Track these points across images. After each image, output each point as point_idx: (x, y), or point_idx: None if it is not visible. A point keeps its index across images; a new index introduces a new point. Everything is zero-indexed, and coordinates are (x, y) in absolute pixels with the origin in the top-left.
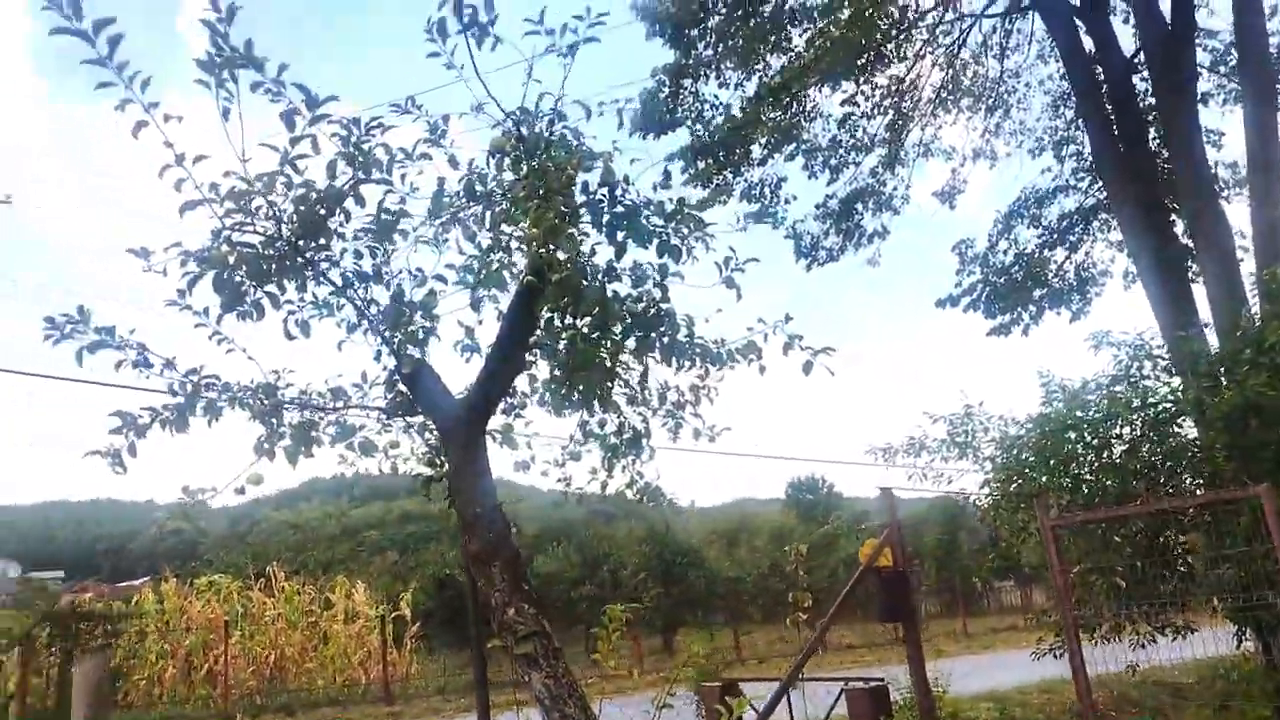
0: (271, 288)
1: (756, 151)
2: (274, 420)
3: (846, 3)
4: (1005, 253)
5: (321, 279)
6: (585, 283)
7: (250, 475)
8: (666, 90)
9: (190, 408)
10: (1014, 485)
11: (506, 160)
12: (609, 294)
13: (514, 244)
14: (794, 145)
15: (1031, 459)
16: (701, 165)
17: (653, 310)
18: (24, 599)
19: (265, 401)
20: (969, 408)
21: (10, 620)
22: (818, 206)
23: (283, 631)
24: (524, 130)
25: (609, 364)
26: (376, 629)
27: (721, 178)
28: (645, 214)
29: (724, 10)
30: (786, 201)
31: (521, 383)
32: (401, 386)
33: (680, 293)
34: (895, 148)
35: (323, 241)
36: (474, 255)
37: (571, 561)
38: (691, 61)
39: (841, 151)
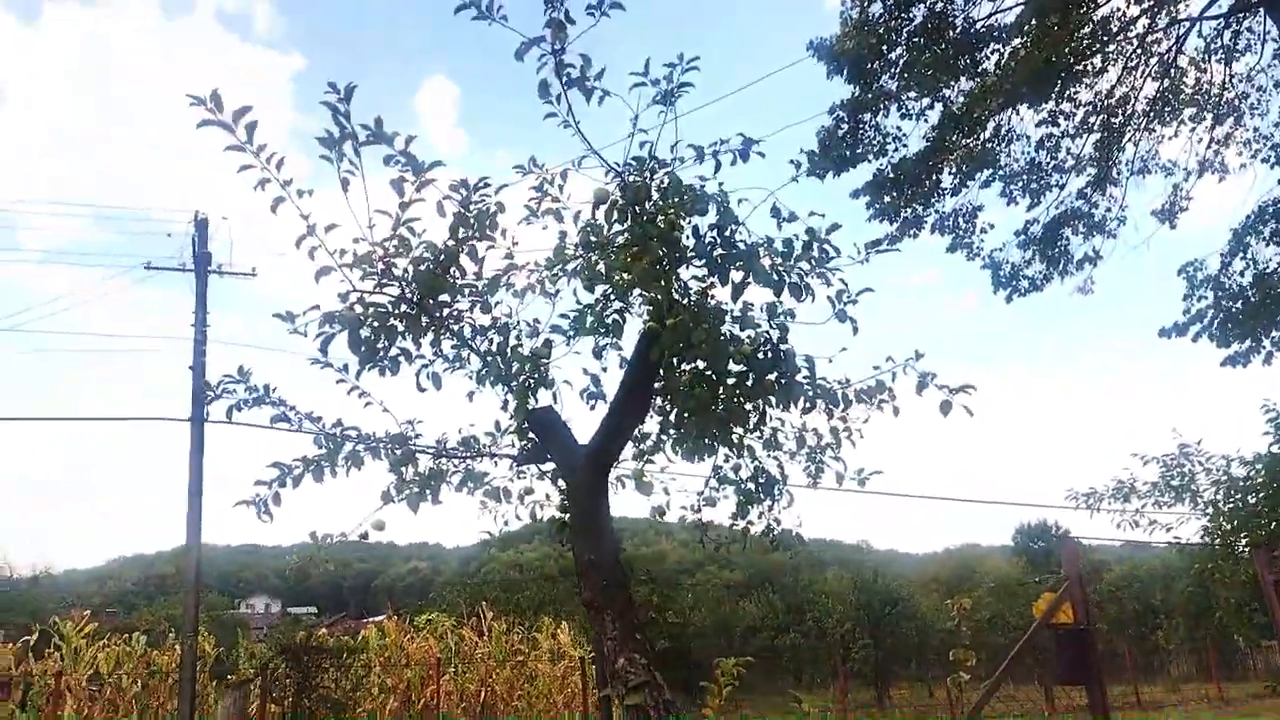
0: (406, 344)
1: (947, 180)
2: (404, 468)
3: (1033, 21)
4: (1241, 274)
5: (447, 333)
6: (695, 326)
7: (374, 521)
8: (846, 126)
9: (333, 458)
10: (1241, 534)
11: (615, 211)
12: (723, 335)
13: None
14: (989, 171)
15: (1260, 503)
16: (887, 200)
17: (769, 351)
18: (278, 633)
19: (399, 450)
20: (1185, 447)
21: (262, 652)
22: (1017, 234)
23: (492, 669)
24: (627, 178)
25: (724, 407)
26: (579, 669)
27: (910, 210)
28: (762, 252)
29: (906, 40)
30: (983, 230)
31: (654, 428)
32: (533, 435)
33: (822, 334)
34: (1105, 166)
35: (444, 298)
36: (588, 305)
37: (775, 608)
38: (872, 95)
39: (1042, 174)
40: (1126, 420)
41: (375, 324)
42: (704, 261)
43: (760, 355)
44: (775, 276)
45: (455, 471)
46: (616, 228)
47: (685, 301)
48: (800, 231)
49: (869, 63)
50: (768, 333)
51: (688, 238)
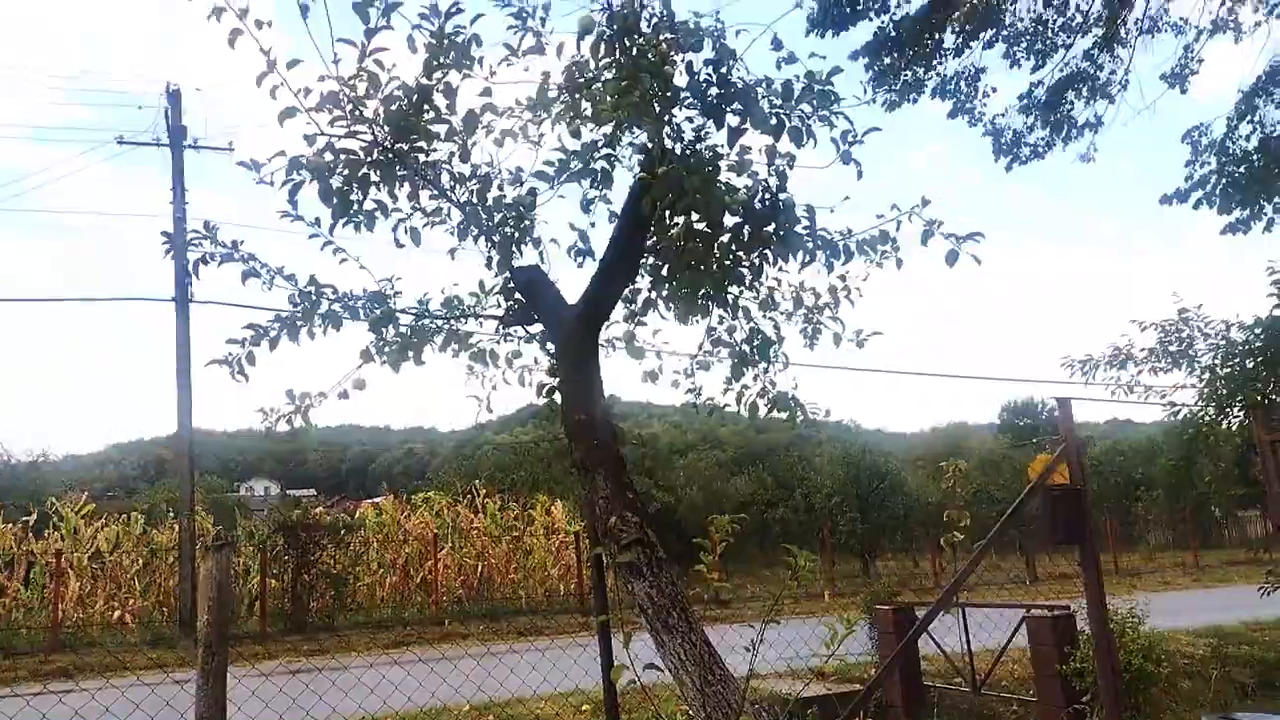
0: (381, 195)
1: (949, 40)
2: (383, 329)
3: None
4: (1247, 138)
5: (424, 183)
6: (688, 174)
7: (354, 380)
8: None
9: (309, 317)
10: (1237, 398)
11: (602, 44)
12: (719, 184)
13: (622, 136)
14: (992, 31)
15: (1258, 367)
16: (887, 61)
17: (766, 200)
18: (277, 512)
19: (378, 309)
20: (1184, 312)
21: (260, 529)
22: (1021, 98)
23: (487, 545)
24: (615, 6)
25: (718, 262)
26: (573, 544)
27: (910, 73)
28: (761, 94)
29: None
30: (986, 95)
31: (646, 287)
32: (519, 295)
33: (824, 184)
34: (1114, 25)
35: (419, 143)
36: (574, 151)
37: (765, 484)
38: None
39: (1049, 34)
40: (1128, 292)
41: (346, 172)
42: (698, 102)
43: (757, 205)
44: (775, 120)
45: (438, 332)
46: (604, 63)
47: (678, 148)
48: (800, 74)
49: None
50: (765, 181)
51: (680, 74)
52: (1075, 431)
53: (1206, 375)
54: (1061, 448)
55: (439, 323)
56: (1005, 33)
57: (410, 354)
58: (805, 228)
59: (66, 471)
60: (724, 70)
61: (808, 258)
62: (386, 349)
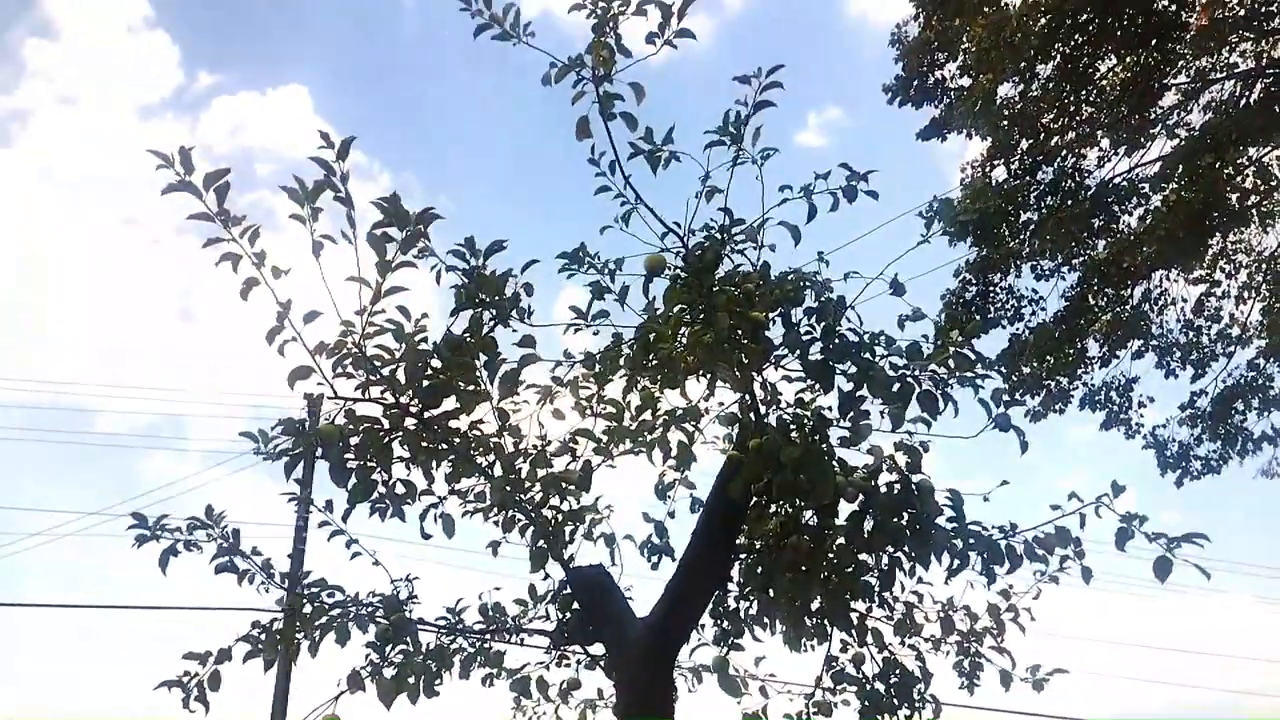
0: (410, 474)
1: (1094, 349)
2: (388, 645)
3: (1180, 167)
4: None
5: (460, 459)
6: (786, 442)
7: (325, 717)
8: (975, 288)
9: (307, 626)
10: None
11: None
12: (828, 459)
13: (703, 406)
14: (1140, 341)
15: None
16: (1026, 371)
17: (895, 484)
18: None
19: (390, 619)
20: None
21: None
22: (1182, 408)
23: None
24: (689, 243)
25: (834, 568)
26: None
27: (1054, 383)
28: (880, 352)
29: (1036, 202)
30: (1141, 405)
31: (737, 597)
32: (577, 604)
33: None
34: (1277, 333)
35: (454, 410)
36: (641, 421)
37: None
38: (1000, 255)
39: (1203, 344)
40: None
41: (365, 443)
42: (799, 360)
43: (882, 488)
44: (898, 384)
45: (462, 651)
46: (677, 310)
47: (774, 419)
48: (929, 334)
49: (996, 226)
50: (890, 458)
51: (773, 322)
52: None
53: None
54: None
55: (470, 640)
56: (1154, 343)
57: (419, 681)
58: (950, 519)
59: None
60: (831, 322)
61: (956, 562)
62: (388, 669)
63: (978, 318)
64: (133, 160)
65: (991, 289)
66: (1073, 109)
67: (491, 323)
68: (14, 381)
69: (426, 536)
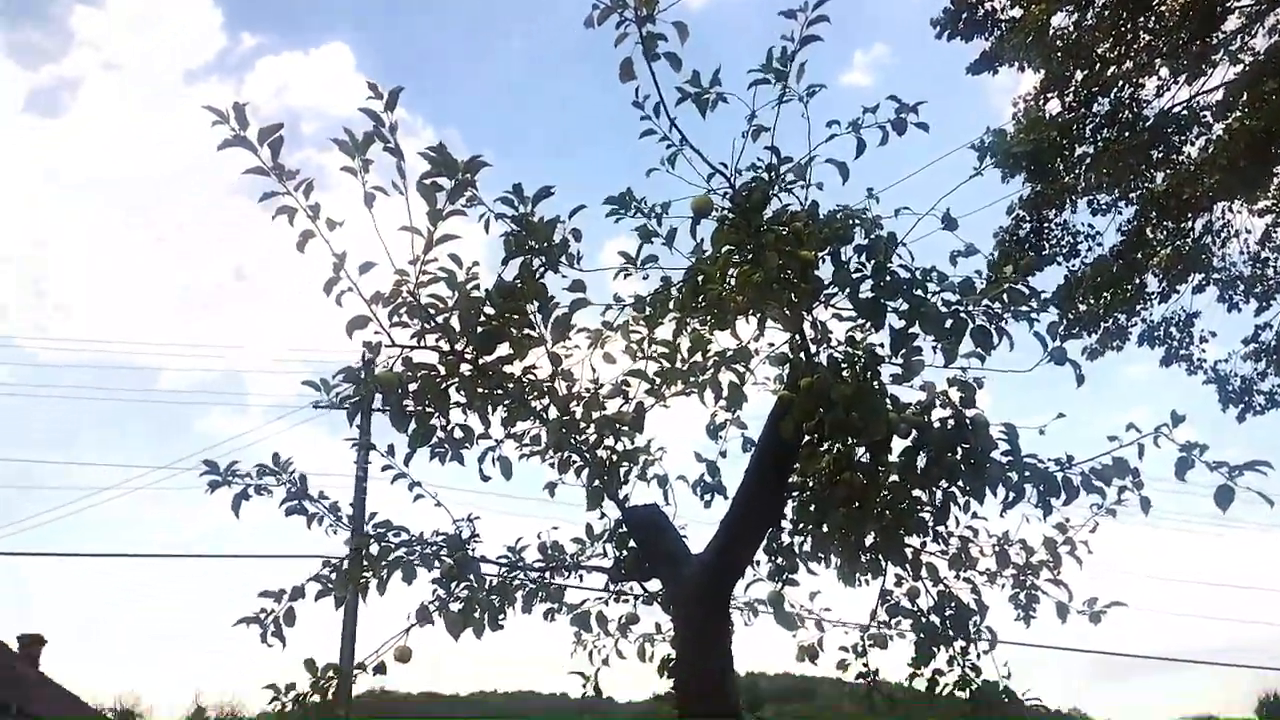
0: (468, 419)
1: (1152, 284)
2: (453, 582)
3: (1246, 96)
4: None
5: (516, 404)
6: (838, 380)
7: (397, 650)
8: (1029, 224)
9: (375, 566)
10: None
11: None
12: (880, 395)
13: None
14: (1201, 275)
15: None
16: (1083, 308)
17: (949, 419)
18: None
19: (454, 558)
20: None
21: None
22: (1245, 341)
23: None
24: (736, 183)
25: (887, 504)
26: None
27: (1111, 320)
28: (933, 288)
29: (1092, 134)
30: (1203, 339)
31: (790, 533)
32: (633, 542)
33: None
34: None
35: (509, 355)
36: (693, 363)
37: None
38: (1054, 190)
39: (1271, 275)
40: None
41: (423, 389)
42: (849, 298)
43: (935, 423)
44: (951, 320)
45: (524, 586)
46: (726, 250)
47: (824, 357)
48: (980, 268)
49: (1050, 161)
50: (944, 393)
51: (822, 261)
52: None
53: None
54: None
55: (530, 576)
56: (1217, 276)
57: (485, 616)
58: (1005, 453)
59: None
60: (882, 259)
61: (1011, 496)
62: (454, 604)
63: (1032, 255)
64: (180, 123)
65: (1046, 225)
66: (1130, 37)
67: (542, 269)
68: (79, 342)
69: (485, 479)
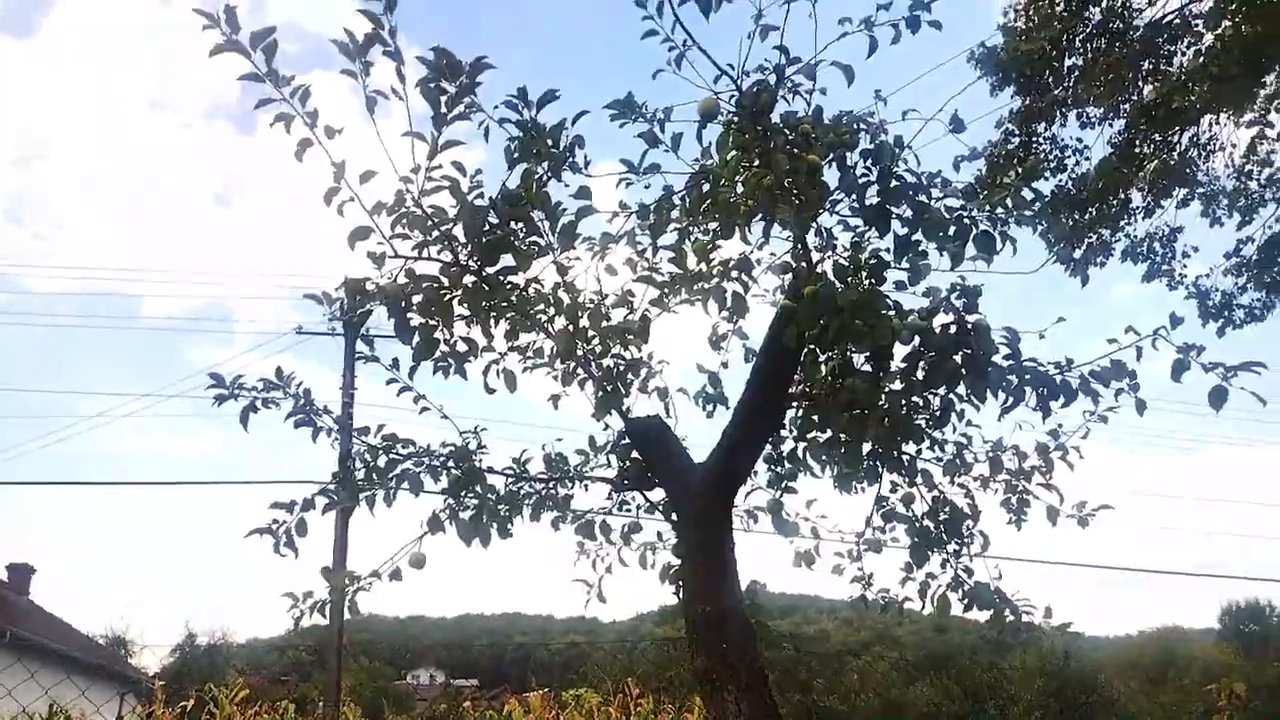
0: (471, 331)
1: (1137, 199)
2: (463, 494)
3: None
4: None
5: (520, 316)
6: (843, 285)
7: (413, 556)
8: (1017, 139)
9: (382, 479)
10: None
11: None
12: (884, 301)
13: (756, 255)
14: (1186, 189)
15: None
16: (1070, 223)
17: (951, 325)
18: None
19: (460, 469)
20: None
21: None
22: (1227, 255)
23: None
24: (744, 86)
25: (887, 409)
26: None
27: (1095, 235)
28: (936, 194)
29: (1082, 45)
30: (1185, 255)
31: (793, 442)
32: (635, 454)
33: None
34: None
35: (513, 265)
36: (696, 272)
37: (951, 694)
38: (1045, 103)
39: (1255, 188)
40: None
41: (427, 301)
42: (855, 204)
43: (937, 328)
44: (955, 226)
45: (531, 496)
46: (731, 155)
47: (828, 265)
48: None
49: (1039, 73)
50: (947, 298)
51: (829, 170)
52: None
53: None
54: None
55: (536, 487)
56: (1201, 190)
57: (494, 525)
58: (1007, 357)
59: (244, 656)
60: (887, 165)
61: (1010, 399)
62: (463, 513)
63: (1033, 160)
64: (155, 44)
65: (1034, 140)
66: None
67: (546, 176)
68: (63, 269)
69: (490, 391)
